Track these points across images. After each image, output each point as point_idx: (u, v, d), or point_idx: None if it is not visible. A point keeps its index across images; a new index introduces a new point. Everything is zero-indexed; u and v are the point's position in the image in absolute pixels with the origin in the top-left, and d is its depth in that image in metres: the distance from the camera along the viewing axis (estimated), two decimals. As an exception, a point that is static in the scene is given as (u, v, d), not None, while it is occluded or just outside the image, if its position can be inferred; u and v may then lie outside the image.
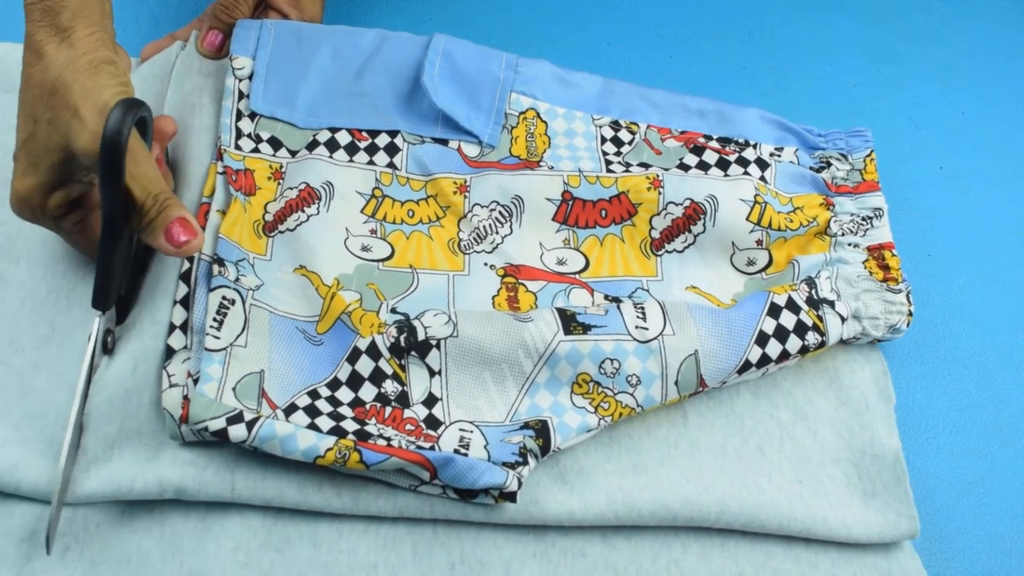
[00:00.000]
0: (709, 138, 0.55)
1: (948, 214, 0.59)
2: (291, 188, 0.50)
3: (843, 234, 0.52)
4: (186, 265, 0.47)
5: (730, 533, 0.45)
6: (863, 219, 0.52)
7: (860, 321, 0.49)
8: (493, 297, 0.50)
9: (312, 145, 0.52)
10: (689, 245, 0.52)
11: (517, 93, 0.55)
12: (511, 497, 0.42)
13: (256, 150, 0.52)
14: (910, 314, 0.50)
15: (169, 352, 0.45)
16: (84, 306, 0.48)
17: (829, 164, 0.55)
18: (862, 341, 0.50)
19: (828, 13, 0.68)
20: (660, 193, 0.52)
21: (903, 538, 0.45)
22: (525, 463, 0.43)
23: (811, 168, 0.55)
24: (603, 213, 0.52)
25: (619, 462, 0.46)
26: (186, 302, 0.46)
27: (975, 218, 0.59)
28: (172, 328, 0.45)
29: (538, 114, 0.55)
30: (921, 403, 0.52)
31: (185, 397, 0.43)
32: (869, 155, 0.55)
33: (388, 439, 0.42)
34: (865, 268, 0.51)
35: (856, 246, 0.52)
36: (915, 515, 0.46)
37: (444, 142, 0.54)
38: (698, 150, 0.54)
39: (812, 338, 0.48)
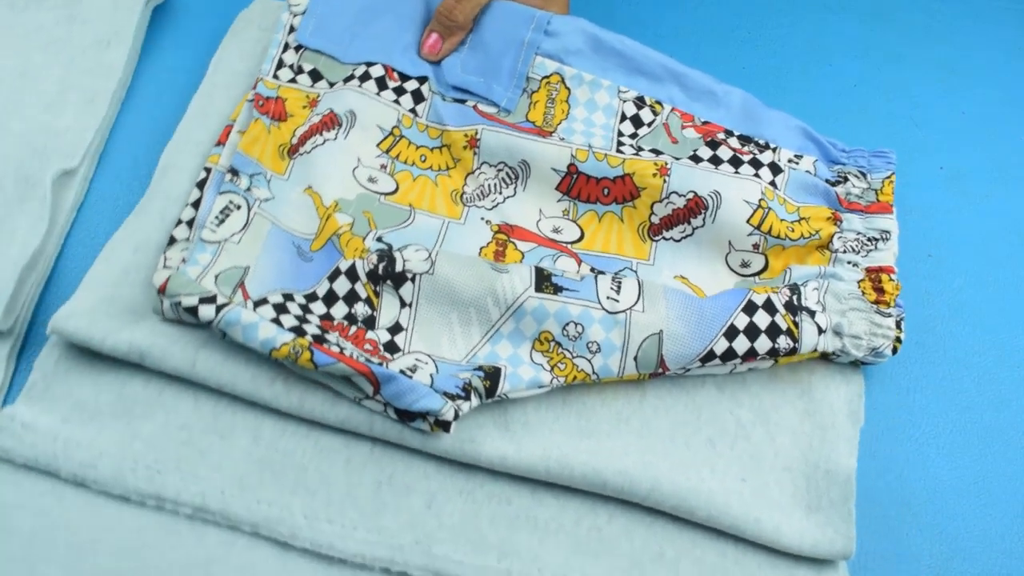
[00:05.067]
0: (730, 134, 0.55)
1: (948, 214, 0.58)
2: (317, 114, 0.53)
3: (844, 251, 0.51)
4: (202, 175, 0.50)
5: (660, 514, 0.45)
6: (868, 239, 0.51)
7: (841, 337, 0.48)
8: (481, 248, 0.51)
9: (348, 78, 0.55)
10: (687, 236, 0.52)
11: (542, 56, 0.56)
12: (445, 427, 0.43)
13: (293, 80, 0.55)
14: (898, 340, 0.48)
15: (171, 241, 0.48)
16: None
17: (846, 179, 0.54)
18: (843, 359, 0.49)
19: (828, 13, 0.68)
20: (665, 181, 0.52)
21: (836, 557, 0.44)
22: (467, 399, 0.44)
23: (827, 181, 0.54)
24: (605, 191, 0.53)
25: (566, 423, 0.46)
26: (197, 205, 0.49)
27: (975, 218, 0.58)
28: (179, 223, 0.49)
29: (563, 79, 0.56)
30: (921, 403, 0.51)
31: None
32: (889, 177, 0.53)
33: (342, 348, 0.44)
34: (859, 288, 0.50)
35: (855, 265, 0.50)
36: (853, 536, 0.44)
37: (463, 101, 0.56)
38: (714, 144, 0.54)
39: (784, 342, 0.47)
